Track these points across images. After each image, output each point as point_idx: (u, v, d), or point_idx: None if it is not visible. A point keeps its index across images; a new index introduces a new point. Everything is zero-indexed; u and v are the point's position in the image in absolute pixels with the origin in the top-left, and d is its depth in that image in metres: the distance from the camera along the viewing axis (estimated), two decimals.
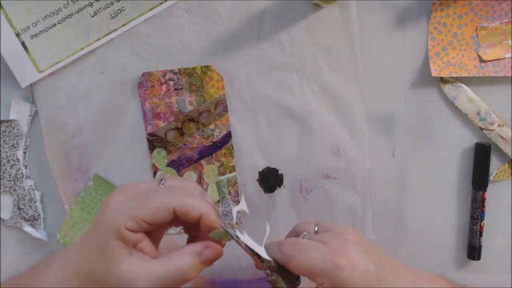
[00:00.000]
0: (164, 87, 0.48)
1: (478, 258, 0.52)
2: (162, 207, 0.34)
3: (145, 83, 0.48)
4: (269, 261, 0.37)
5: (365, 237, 0.42)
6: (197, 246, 0.35)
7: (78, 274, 0.35)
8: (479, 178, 0.50)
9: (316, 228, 0.42)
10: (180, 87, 0.48)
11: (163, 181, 0.37)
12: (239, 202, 0.51)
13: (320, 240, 0.38)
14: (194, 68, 0.48)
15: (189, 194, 0.35)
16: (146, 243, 0.35)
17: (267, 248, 0.37)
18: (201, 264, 0.35)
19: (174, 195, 0.34)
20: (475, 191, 0.50)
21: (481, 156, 0.50)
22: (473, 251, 0.52)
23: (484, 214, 0.51)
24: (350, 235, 0.38)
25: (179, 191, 0.35)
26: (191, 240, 0.38)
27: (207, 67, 0.48)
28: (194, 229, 0.37)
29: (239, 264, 0.52)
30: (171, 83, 0.48)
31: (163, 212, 0.33)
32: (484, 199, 0.50)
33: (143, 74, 0.48)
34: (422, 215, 0.53)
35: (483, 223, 0.51)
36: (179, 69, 0.48)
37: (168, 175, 0.38)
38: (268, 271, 0.37)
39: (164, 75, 0.48)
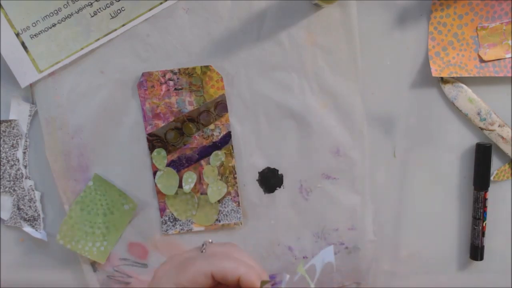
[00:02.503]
0: (164, 87, 0.48)
1: (481, 259, 0.52)
2: (201, 273, 0.35)
3: (145, 83, 0.48)
4: None
5: None
6: None
7: None
8: (480, 178, 0.50)
9: None
10: (180, 87, 0.48)
11: (204, 247, 0.39)
12: (238, 202, 0.51)
13: None
14: (194, 68, 0.48)
15: (227, 258, 0.36)
16: None
17: None
18: None
19: (211, 260, 0.36)
20: (477, 191, 0.50)
21: (482, 157, 0.50)
22: (476, 252, 0.52)
23: (486, 214, 0.51)
24: None
25: (218, 256, 0.37)
26: None
27: (207, 67, 0.48)
28: None
29: None
30: (171, 83, 0.48)
31: (202, 278, 0.35)
32: (485, 199, 0.50)
33: (143, 74, 0.48)
34: (422, 215, 0.52)
35: (485, 223, 0.51)
36: (179, 69, 0.48)
37: (210, 240, 0.41)
38: None
39: (164, 75, 0.48)
